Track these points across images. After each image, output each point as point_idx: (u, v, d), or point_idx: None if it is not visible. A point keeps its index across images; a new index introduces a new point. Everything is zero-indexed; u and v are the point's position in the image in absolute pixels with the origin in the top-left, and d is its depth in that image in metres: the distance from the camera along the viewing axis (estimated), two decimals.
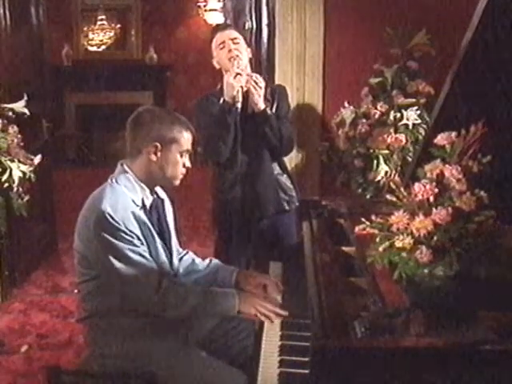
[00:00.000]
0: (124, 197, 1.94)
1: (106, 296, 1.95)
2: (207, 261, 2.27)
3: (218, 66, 2.87)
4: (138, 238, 1.93)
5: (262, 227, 2.90)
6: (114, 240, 1.87)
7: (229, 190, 2.88)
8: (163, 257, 2.03)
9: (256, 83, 2.72)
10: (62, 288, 4.16)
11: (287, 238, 2.86)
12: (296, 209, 2.92)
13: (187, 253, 2.29)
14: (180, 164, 2.01)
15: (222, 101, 2.76)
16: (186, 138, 2.00)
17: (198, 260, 2.27)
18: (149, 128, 1.97)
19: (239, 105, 2.73)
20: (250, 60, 2.93)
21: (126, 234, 1.89)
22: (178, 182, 2.06)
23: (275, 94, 2.89)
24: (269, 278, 2.18)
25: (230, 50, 2.77)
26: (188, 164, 2.04)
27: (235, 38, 2.80)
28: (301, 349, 1.64)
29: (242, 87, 2.71)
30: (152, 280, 1.90)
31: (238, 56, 2.77)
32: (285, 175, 2.94)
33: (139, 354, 1.94)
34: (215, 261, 2.28)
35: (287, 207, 2.91)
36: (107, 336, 1.97)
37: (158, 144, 1.96)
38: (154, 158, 1.97)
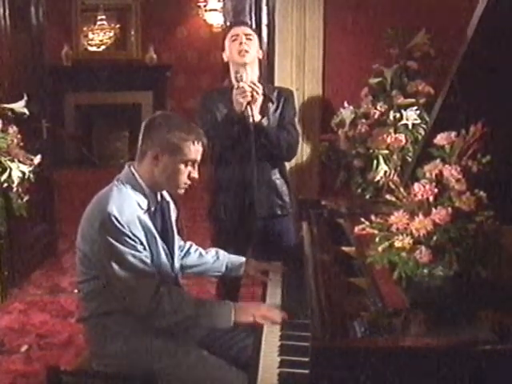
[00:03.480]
0: (130, 200, 1.94)
1: (107, 297, 1.95)
2: (213, 251, 2.34)
3: (226, 59, 2.87)
4: (141, 243, 1.92)
5: (254, 229, 2.91)
6: (117, 244, 1.86)
7: (224, 189, 2.89)
8: (165, 261, 2.03)
9: (257, 93, 2.71)
10: (62, 288, 4.16)
11: (279, 241, 2.87)
12: (289, 215, 2.94)
13: (191, 246, 2.34)
14: (183, 173, 1.98)
15: (229, 110, 2.76)
16: (191, 149, 1.96)
17: (203, 252, 2.34)
18: (156, 133, 1.97)
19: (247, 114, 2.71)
20: (260, 61, 2.93)
21: (130, 238, 1.88)
22: (181, 191, 2.03)
23: (281, 97, 2.88)
24: (272, 264, 2.33)
25: (241, 43, 2.77)
26: (194, 175, 2.00)
27: (249, 35, 2.81)
28: (301, 349, 1.64)
29: (249, 103, 2.69)
30: (150, 287, 1.88)
31: (247, 52, 2.77)
32: (282, 180, 2.93)
33: (139, 353, 1.93)
34: (221, 251, 2.35)
35: (279, 212, 2.90)
36: (107, 336, 1.96)
37: (160, 149, 1.95)
38: (155, 162, 1.96)
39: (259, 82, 2.84)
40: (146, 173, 1.99)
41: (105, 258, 1.88)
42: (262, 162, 2.82)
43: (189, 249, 2.33)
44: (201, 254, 2.33)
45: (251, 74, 2.83)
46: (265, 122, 2.76)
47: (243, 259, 2.34)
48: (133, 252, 1.88)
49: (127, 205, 1.92)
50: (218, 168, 2.95)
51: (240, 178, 2.82)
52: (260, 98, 2.74)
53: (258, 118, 2.73)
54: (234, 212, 2.87)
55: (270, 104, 2.84)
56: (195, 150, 1.98)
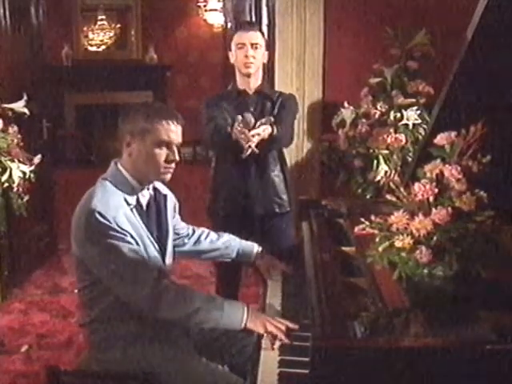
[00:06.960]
0: (115, 195, 1.87)
1: (109, 303, 1.89)
2: (225, 237, 2.31)
3: (232, 61, 2.87)
4: (132, 236, 1.84)
5: (252, 227, 2.92)
6: (105, 239, 1.78)
7: (222, 186, 2.90)
8: (155, 258, 1.94)
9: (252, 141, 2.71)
10: (62, 288, 4.16)
11: (277, 239, 2.87)
12: (288, 213, 2.94)
13: (202, 233, 2.31)
14: (159, 156, 1.87)
15: (232, 116, 2.78)
16: (161, 129, 1.86)
17: (215, 238, 2.30)
18: (126, 121, 1.90)
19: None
20: (264, 64, 2.93)
21: (118, 232, 1.80)
22: (166, 177, 1.93)
23: (278, 100, 2.88)
24: (278, 262, 2.28)
25: (246, 56, 2.76)
26: (173, 157, 1.90)
27: (256, 44, 2.77)
28: (301, 349, 1.64)
29: (250, 147, 2.70)
30: (149, 276, 1.80)
31: (252, 63, 2.76)
32: (281, 177, 2.93)
33: (139, 359, 1.90)
34: (233, 237, 2.32)
35: (277, 210, 2.91)
36: (108, 341, 1.93)
37: (130, 135, 1.88)
38: (128, 150, 1.90)
39: (262, 86, 2.85)
40: (126, 165, 1.92)
41: (97, 256, 1.82)
42: (262, 159, 2.83)
43: (199, 236, 2.29)
44: (212, 241, 2.29)
45: (254, 82, 2.84)
46: (276, 132, 2.76)
47: (255, 248, 2.28)
48: (124, 244, 1.80)
49: (112, 200, 1.85)
50: (217, 165, 2.96)
51: (239, 175, 2.83)
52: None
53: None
54: (231, 209, 2.88)
55: (269, 104, 2.85)
56: (166, 130, 1.87)
